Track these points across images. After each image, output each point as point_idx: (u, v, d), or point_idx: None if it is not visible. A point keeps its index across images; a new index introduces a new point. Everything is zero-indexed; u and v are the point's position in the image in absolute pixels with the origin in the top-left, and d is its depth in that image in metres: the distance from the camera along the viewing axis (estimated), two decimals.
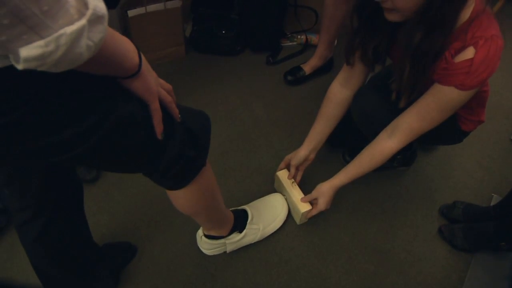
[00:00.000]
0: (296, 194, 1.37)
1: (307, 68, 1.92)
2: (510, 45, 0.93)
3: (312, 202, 1.34)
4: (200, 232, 1.27)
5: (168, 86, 0.74)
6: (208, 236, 1.25)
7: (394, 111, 1.17)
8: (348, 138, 1.59)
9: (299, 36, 2.15)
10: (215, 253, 1.30)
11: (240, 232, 1.27)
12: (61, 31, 0.39)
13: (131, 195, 1.46)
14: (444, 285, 1.29)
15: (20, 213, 0.89)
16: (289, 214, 1.42)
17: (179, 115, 0.74)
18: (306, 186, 1.40)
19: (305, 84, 1.95)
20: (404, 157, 1.55)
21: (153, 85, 0.66)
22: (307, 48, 2.12)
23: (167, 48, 1.98)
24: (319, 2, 1.81)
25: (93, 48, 0.44)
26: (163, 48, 1.96)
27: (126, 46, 0.59)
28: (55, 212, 0.91)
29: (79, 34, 0.41)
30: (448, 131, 1.30)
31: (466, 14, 0.94)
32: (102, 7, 0.43)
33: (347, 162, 1.57)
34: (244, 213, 1.31)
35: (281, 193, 1.46)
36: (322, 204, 1.29)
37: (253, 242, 1.32)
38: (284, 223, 1.40)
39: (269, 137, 1.70)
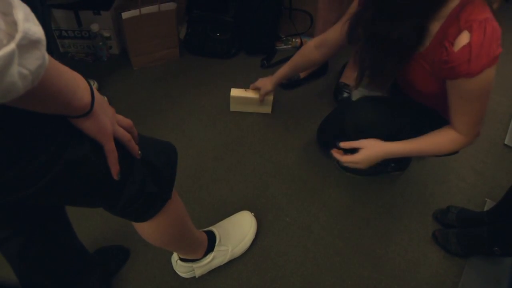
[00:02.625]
0: (252, 93, 1.70)
1: (302, 72, 1.92)
2: (504, 49, 0.92)
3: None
4: (175, 256, 1.23)
5: (128, 122, 0.69)
6: (183, 260, 1.21)
7: (390, 126, 1.16)
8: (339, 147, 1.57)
9: (294, 39, 2.15)
10: (192, 276, 1.26)
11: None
12: None
13: None
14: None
15: None
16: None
17: (139, 152, 0.71)
18: (300, 191, 1.40)
19: (300, 88, 1.95)
20: (399, 162, 1.55)
21: (107, 125, 0.61)
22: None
23: (162, 51, 1.97)
24: (314, 5, 1.81)
25: (30, 78, 0.39)
26: (157, 50, 1.95)
27: (76, 83, 0.54)
28: (34, 230, 0.87)
29: (7, 60, 0.36)
30: None
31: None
32: (36, 31, 0.39)
33: (341, 167, 1.58)
34: (212, 235, 1.26)
35: (241, 109, 1.76)
36: (359, 156, 1.17)
37: (222, 264, 1.28)
38: (277, 229, 1.40)
39: (262, 141, 1.70)
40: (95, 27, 1.87)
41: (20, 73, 0.38)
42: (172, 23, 1.87)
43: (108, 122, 0.62)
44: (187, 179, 1.53)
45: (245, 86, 1.73)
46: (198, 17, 2.03)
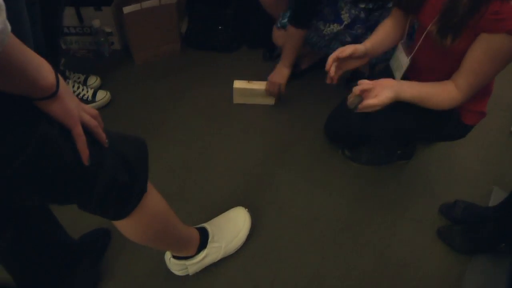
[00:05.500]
0: (256, 85, 1.67)
1: (303, 62, 1.91)
2: None
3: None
4: (168, 254, 1.21)
5: (94, 111, 0.70)
6: (176, 257, 1.19)
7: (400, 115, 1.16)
8: (348, 137, 1.57)
9: None
10: (186, 273, 1.23)
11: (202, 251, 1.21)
12: None
13: None
14: (440, 285, 1.27)
15: None
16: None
17: (107, 140, 0.71)
18: (303, 182, 1.39)
19: (302, 79, 1.93)
20: (404, 151, 1.54)
21: (73, 109, 0.63)
22: (304, 43, 2.09)
23: (163, 45, 1.96)
24: None
25: None
26: (159, 45, 1.95)
27: (40, 62, 0.55)
28: (18, 227, 0.87)
29: None
30: (451, 127, 1.29)
31: None
32: None
33: (347, 157, 1.57)
34: (204, 231, 1.23)
35: (245, 101, 1.70)
36: (383, 96, 1.09)
37: (216, 260, 1.25)
38: (280, 222, 1.39)
39: (266, 134, 1.69)
40: (96, 23, 1.87)
41: None
42: (173, 17, 1.86)
43: (74, 106, 0.63)
44: (187, 172, 1.53)
45: (248, 79, 1.72)
46: (199, 11, 2.02)
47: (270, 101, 1.77)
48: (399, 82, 1.15)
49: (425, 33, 1.14)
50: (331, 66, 1.20)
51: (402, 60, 1.29)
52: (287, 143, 1.66)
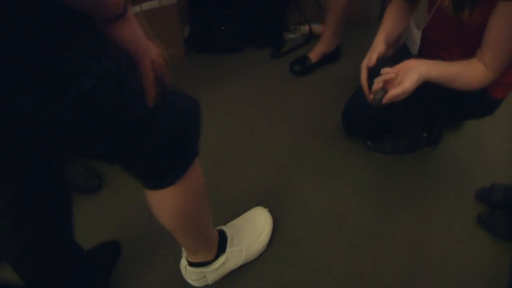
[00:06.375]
0: None
1: (313, 55, 1.83)
2: None
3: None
4: (183, 262, 1.08)
5: (159, 48, 0.64)
6: (193, 264, 1.06)
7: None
8: (367, 127, 1.47)
9: (302, 27, 2.06)
10: (205, 284, 1.11)
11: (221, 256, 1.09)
12: None
13: (136, 203, 1.34)
14: (487, 277, 1.16)
15: None
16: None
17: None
18: (324, 178, 1.29)
19: (313, 74, 1.85)
20: (431, 135, 1.44)
21: (142, 36, 0.57)
22: (312, 39, 2.02)
23: (166, 50, 1.90)
24: None
25: None
26: (161, 49, 1.88)
27: None
28: (39, 221, 0.80)
29: None
30: (479, 102, 1.20)
31: None
32: None
33: (370, 148, 1.47)
34: (222, 234, 1.11)
35: None
36: (407, 82, 0.99)
37: (237, 266, 1.13)
38: (305, 222, 1.28)
39: (281, 132, 1.59)
40: None
41: None
42: (175, 19, 1.80)
43: (143, 34, 0.58)
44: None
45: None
46: (201, 13, 1.95)
47: None
48: (424, 61, 1.05)
49: (435, 7, 1.08)
50: (366, 80, 1.12)
51: (414, 34, 1.24)
52: (304, 139, 1.56)
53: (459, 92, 1.11)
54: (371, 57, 1.12)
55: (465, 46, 1.09)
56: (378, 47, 1.15)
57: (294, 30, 2.08)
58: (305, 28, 2.05)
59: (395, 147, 1.46)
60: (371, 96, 1.06)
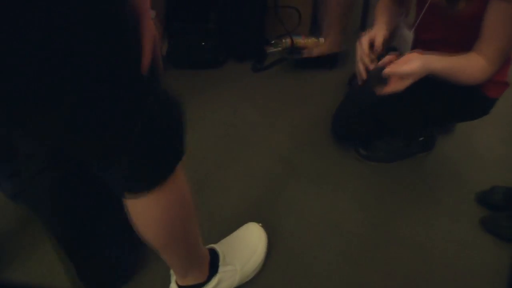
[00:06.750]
0: None
1: (316, 51, 1.85)
2: None
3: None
4: (173, 286, 0.98)
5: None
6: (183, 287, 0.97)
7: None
8: (359, 130, 1.41)
9: (283, 40, 2.03)
10: None
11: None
12: None
13: None
14: (492, 282, 1.10)
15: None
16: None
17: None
18: (318, 189, 1.22)
19: (305, 84, 1.83)
20: (425, 140, 1.40)
21: None
22: (294, 50, 1.99)
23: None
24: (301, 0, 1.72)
25: None
26: None
27: None
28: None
29: None
30: (474, 101, 1.18)
31: None
32: None
33: (362, 156, 1.41)
34: (214, 254, 1.02)
35: None
36: (414, 64, 0.98)
37: (232, 287, 1.04)
38: (301, 234, 1.21)
39: (270, 143, 1.53)
40: None
41: None
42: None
43: None
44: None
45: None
46: (178, 28, 1.90)
47: None
48: (426, 53, 1.03)
49: (427, 4, 1.07)
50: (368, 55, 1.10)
51: (406, 36, 1.20)
52: (294, 149, 1.50)
53: (454, 91, 1.09)
54: (376, 40, 1.09)
55: (455, 46, 1.06)
56: (381, 31, 1.12)
57: (276, 44, 2.05)
58: (287, 41, 2.02)
59: (389, 153, 1.41)
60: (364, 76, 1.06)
